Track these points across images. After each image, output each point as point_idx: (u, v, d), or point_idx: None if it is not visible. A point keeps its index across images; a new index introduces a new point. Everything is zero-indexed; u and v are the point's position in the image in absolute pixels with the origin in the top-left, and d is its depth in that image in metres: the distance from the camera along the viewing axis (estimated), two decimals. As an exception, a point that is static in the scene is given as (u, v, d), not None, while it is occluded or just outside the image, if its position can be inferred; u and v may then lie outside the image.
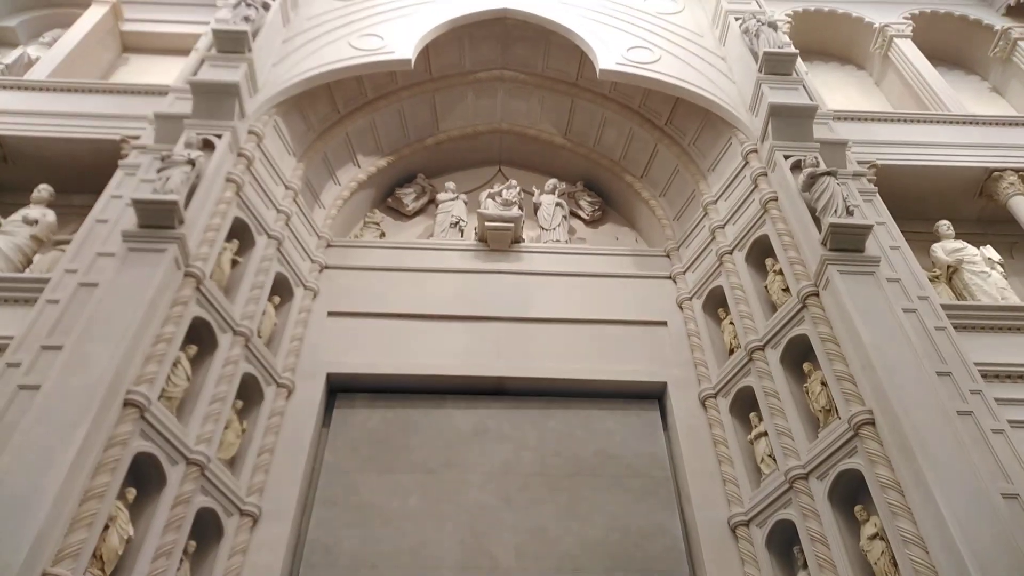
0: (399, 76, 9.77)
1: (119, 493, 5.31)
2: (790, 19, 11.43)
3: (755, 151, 8.18)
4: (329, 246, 8.88)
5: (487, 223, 8.99)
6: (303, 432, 7.10)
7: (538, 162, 10.58)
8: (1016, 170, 8.80)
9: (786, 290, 7.17)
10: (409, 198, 10.05)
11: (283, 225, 8.09)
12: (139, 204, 6.42)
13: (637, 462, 7.44)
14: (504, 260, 8.94)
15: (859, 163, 8.43)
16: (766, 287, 7.51)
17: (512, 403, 7.79)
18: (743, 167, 8.25)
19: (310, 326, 8.00)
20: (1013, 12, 11.64)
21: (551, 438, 7.56)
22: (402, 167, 10.20)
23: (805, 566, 5.93)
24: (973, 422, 5.88)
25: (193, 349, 6.44)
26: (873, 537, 5.46)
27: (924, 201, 8.84)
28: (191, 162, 6.84)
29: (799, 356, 6.81)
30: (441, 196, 9.95)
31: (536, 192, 10.05)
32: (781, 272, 7.30)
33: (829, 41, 11.97)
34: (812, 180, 7.14)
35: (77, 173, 8.41)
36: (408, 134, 10.17)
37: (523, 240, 9.25)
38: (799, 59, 8.71)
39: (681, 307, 8.48)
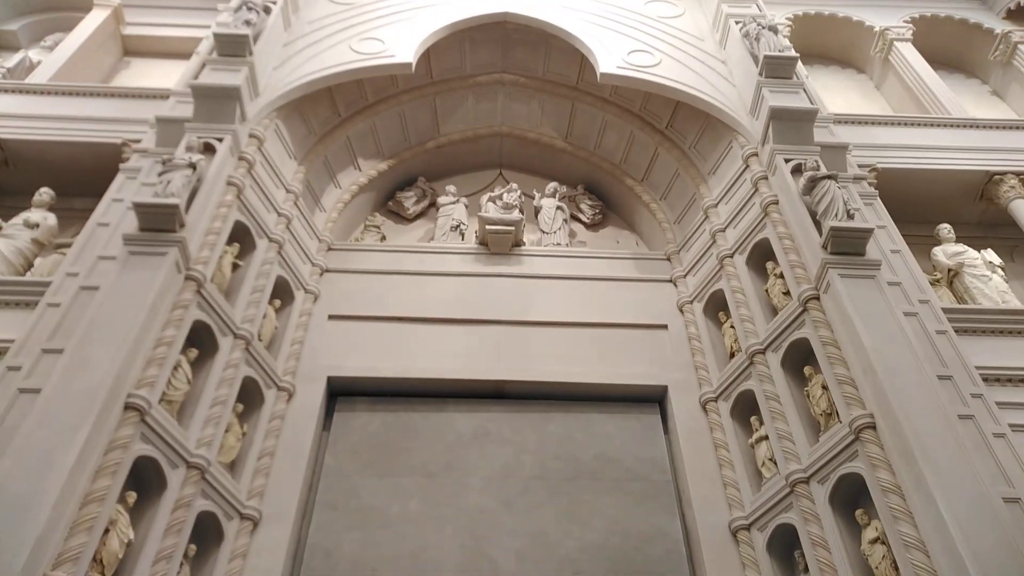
0: (400, 80, 9.78)
1: (119, 497, 5.30)
2: (790, 23, 11.44)
3: (756, 154, 8.18)
4: (330, 249, 8.89)
5: (488, 226, 8.99)
6: (303, 435, 7.10)
7: (539, 165, 10.59)
8: (1017, 173, 8.80)
9: (787, 293, 7.16)
10: (410, 201, 10.06)
11: (284, 228, 8.09)
12: (140, 208, 6.42)
13: (638, 466, 7.43)
14: (505, 263, 8.94)
15: (860, 167, 8.43)
16: (767, 290, 7.51)
17: (512, 407, 7.78)
18: (744, 170, 8.25)
19: (311, 329, 8.00)
20: (1013, 16, 11.65)
21: (551, 442, 7.56)
22: (403, 170, 10.21)
23: (806, 570, 5.92)
24: (974, 426, 5.87)
25: (194, 352, 6.44)
26: (874, 541, 5.45)
27: (925, 205, 8.84)
28: (192, 166, 6.84)
29: (800, 360, 6.80)
30: (442, 199, 9.95)
31: (537, 195, 10.05)
32: (782, 276, 7.30)
33: (829, 45, 11.97)
34: (813, 184, 7.13)
35: (78, 177, 8.42)
36: (409, 137, 10.19)
37: (524, 243, 9.25)
38: (799, 63, 8.70)
39: (682, 310, 8.47)
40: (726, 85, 9.11)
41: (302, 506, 6.79)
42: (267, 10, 9.02)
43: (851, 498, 5.84)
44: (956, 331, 6.74)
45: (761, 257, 7.74)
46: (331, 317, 8.18)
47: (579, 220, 10.13)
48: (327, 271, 8.63)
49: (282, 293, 7.92)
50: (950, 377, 6.22)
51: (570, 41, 9.63)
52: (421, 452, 7.39)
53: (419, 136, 10.26)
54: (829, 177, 7.13)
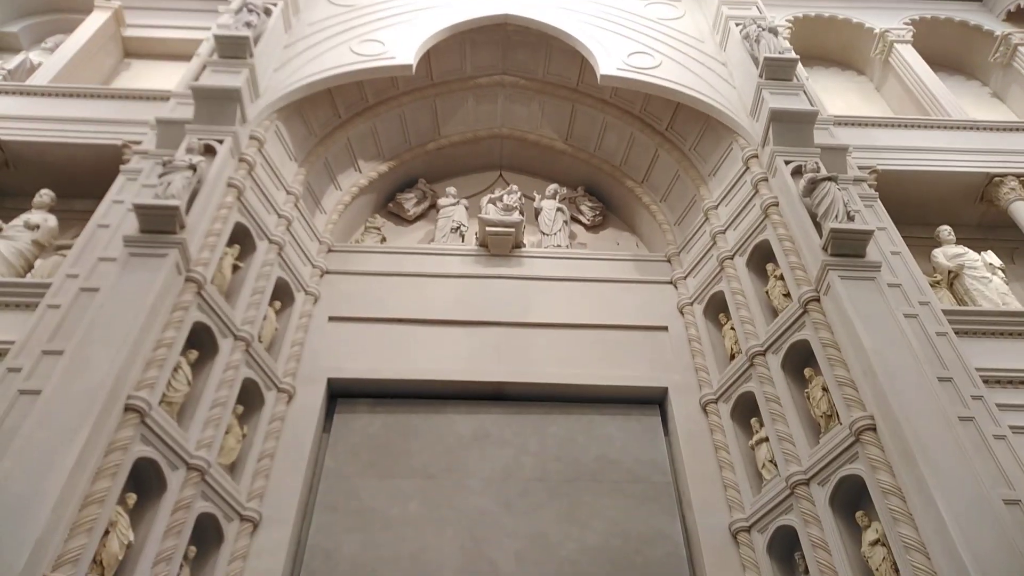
0: (400, 81, 9.79)
1: (119, 498, 5.30)
2: (790, 24, 11.45)
3: (756, 156, 8.18)
4: (330, 251, 8.89)
5: (488, 228, 8.99)
6: (304, 437, 7.09)
7: (539, 167, 10.59)
8: (1017, 175, 8.81)
9: (787, 295, 7.16)
10: (410, 203, 10.06)
11: (284, 230, 8.09)
12: (140, 209, 6.43)
13: (638, 467, 7.43)
14: (505, 265, 8.94)
15: (860, 168, 8.43)
16: (767, 292, 7.51)
17: (513, 408, 7.78)
18: (744, 172, 8.26)
19: (311, 331, 8.00)
20: (1013, 18, 11.67)
21: (552, 443, 7.55)
22: (403, 172, 10.22)
23: (806, 572, 5.91)
24: (974, 428, 5.86)
25: (194, 354, 6.44)
26: (874, 543, 5.44)
27: (925, 206, 8.85)
28: (192, 167, 6.84)
29: (800, 361, 6.80)
30: (442, 201, 9.96)
31: (537, 197, 10.05)
32: (782, 277, 7.29)
33: (830, 46, 11.99)
34: (813, 185, 7.13)
35: (79, 178, 8.43)
36: (409, 139, 10.19)
37: (524, 245, 9.25)
38: (799, 64, 8.71)
39: (682, 312, 8.47)
40: (726, 87, 9.11)
41: (302, 508, 6.79)
42: (268, 12, 9.03)
43: (851, 500, 5.84)
44: (956, 333, 6.73)
45: (761, 259, 7.74)
46: (331, 319, 8.18)
47: (579, 222, 10.13)
48: (327, 273, 8.63)
49: (282, 295, 7.92)
50: (950, 379, 6.22)
51: (570, 43, 9.64)
52: (421, 454, 7.39)
53: (419, 138, 10.27)
54: (829, 179, 7.13)
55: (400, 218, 10.05)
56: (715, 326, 8.13)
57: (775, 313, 7.25)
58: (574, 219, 10.09)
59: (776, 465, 6.56)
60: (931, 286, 7.50)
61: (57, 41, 10.95)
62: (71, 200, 8.28)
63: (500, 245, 9.01)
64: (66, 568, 4.70)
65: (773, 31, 9.06)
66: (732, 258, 8.07)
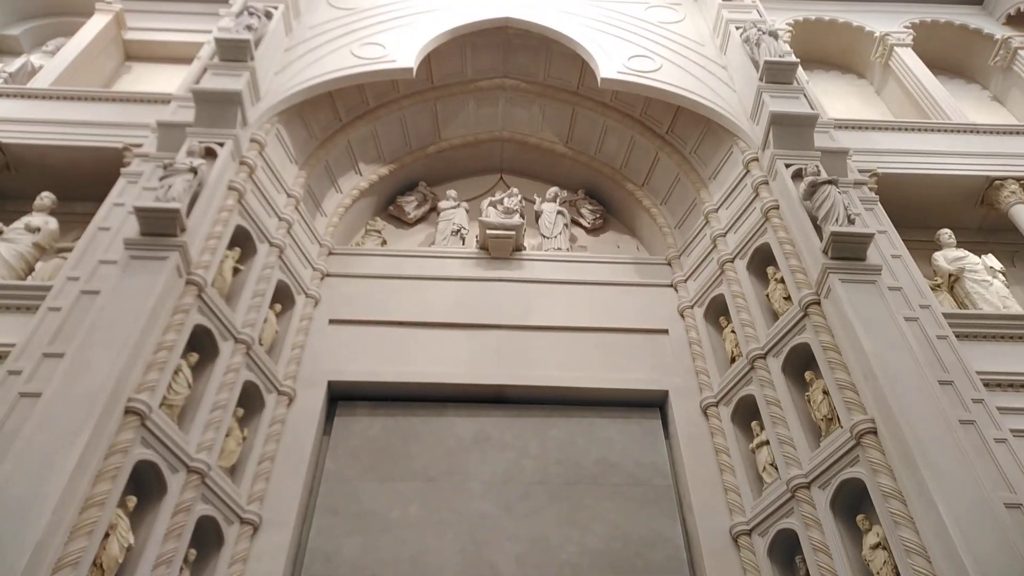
0: (401, 84, 9.80)
1: (120, 501, 5.30)
2: (791, 28, 11.47)
3: (756, 159, 8.19)
4: (331, 254, 8.89)
5: (488, 231, 9.00)
6: (304, 440, 7.09)
7: (539, 170, 10.60)
8: (1017, 179, 8.80)
9: (787, 298, 7.16)
10: (411, 206, 10.07)
11: (285, 233, 8.10)
12: (141, 212, 6.43)
13: (638, 471, 7.42)
14: (505, 268, 8.94)
15: (860, 172, 8.43)
16: (767, 295, 7.50)
17: (513, 411, 7.78)
18: (744, 175, 8.26)
19: (311, 334, 8.00)
20: (1013, 21, 11.68)
21: (552, 446, 7.55)
22: (404, 175, 10.23)
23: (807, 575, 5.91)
24: (975, 431, 5.86)
25: (194, 357, 6.44)
26: (875, 546, 5.44)
27: (925, 210, 8.85)
28: (193, 170, 6.85)
29: (801, 365, 6.80)
30: (442, 204, 9.96)
31: (537, 200, 10.06)
32: (782, 280, 7.29)
33: (830, 50, 12.01)
34: (813, 189, 7.14)
35: (79, 181, 8.44)
36: (410, 142, 10.20)
37: (524, 248, 9.25)
38: (800, 68, 8.71)
39: (682, 315, 8.47)
40: (726, 90, 9.12)
41: (302, 510, 6.78)
42: (268, 15, 9.05)
43: (852, 503, 5.84)
44: (957, 336, 6.73)
45: (762, 262, 7.74)
46: (332, 321, 8.18)
47: (580, 225, 10.14)
48: (328, 275, 8.64)
49: (283, 297, 7.92)
50: (951, 382, 6.21)
51: (571, 46, 9.65)
52: (422, 457, 7.39)
53: (420, 141, 10.28)
54: (830, 182, 7.13)
55: (401, 221, 10.06)
56: (716, 329, 8.13)
57: (776, 316, 7.25)
58: (575, 222, 10.10)
59: (777, 468, 6.55)
60: (932, 289, 7.50)
61: (58, 44, 10.96)
62: (72, 203, 8.29)
63: (500, 248, 9.01)
64: (66, 571, 4.69)
65: (773, 34, 9.08)
66: (732, 261, 8.07)
